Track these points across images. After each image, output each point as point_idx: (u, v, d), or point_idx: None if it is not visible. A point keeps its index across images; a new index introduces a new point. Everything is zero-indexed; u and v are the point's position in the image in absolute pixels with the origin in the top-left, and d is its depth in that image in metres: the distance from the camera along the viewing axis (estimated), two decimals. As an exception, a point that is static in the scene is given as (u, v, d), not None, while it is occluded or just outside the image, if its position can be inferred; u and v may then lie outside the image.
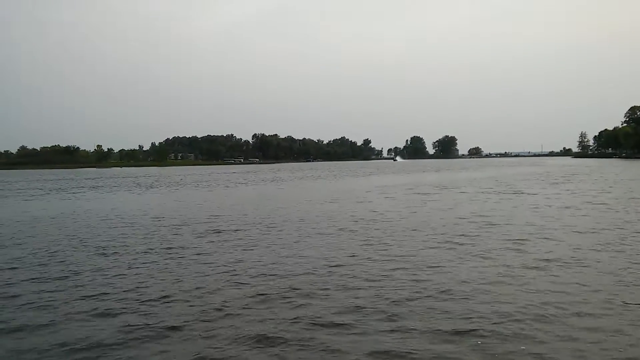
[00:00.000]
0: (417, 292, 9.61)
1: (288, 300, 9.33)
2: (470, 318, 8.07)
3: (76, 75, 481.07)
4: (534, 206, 24.55)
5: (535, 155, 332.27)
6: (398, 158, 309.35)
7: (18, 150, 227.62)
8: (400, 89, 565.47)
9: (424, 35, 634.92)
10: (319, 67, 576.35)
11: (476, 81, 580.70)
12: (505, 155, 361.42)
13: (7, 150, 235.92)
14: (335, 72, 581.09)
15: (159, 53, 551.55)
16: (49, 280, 11.25)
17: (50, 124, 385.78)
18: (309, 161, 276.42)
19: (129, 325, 8.09)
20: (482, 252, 13.21)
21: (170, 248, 14.94)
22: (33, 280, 11.20)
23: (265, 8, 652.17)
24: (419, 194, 35.04)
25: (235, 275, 11.37)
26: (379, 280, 10.53)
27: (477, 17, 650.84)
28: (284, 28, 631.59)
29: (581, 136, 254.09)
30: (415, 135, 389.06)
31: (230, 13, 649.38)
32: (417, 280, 10.44)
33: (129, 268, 12.32)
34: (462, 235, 16.15)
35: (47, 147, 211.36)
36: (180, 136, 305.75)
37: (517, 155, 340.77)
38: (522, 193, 33.11)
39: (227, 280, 10.89)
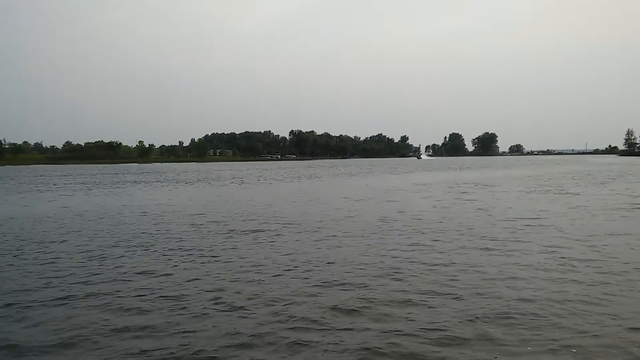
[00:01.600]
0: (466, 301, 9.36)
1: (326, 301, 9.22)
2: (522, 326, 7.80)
3: (119, 74, 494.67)
4: (581, 207, 23.63)
5: (579, 153, 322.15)
6: (423, 155, 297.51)
7: (63, 145, 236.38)
8: (438, 85, 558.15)
9: (462, 31, 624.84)
10: (356, 64, 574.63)
11: (518, 76, 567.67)
12: (547, 152, 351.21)
13: (53, 146, 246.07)
14: (373, 69, 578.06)
15: (197, 52, 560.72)
16: (93, 281, 11.48)
17: (94, 120, 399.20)
18: (346, 158, 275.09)
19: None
20: (526, 256, 12.78)
21: (213, 246, 15.06)
22: (79, 278, 11.46)
23: (301, 7, 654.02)
24: (459, 192, 34.32)
25: (267, 280, 11.32)
26: (430, 292, 10.31)
27: (504, 13, 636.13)
28: (321, 26, 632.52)
29: (628, 134, 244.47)
30: (454, 132, 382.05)
31: (268, 11, 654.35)
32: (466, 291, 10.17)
33: (172, 267, 12.47)
34: (507, 238, 15.67)
35: (91, 142, 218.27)
36: (219, 132, 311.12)
37: (560, 153, 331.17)
38: (569, 193, 31.97)
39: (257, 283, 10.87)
